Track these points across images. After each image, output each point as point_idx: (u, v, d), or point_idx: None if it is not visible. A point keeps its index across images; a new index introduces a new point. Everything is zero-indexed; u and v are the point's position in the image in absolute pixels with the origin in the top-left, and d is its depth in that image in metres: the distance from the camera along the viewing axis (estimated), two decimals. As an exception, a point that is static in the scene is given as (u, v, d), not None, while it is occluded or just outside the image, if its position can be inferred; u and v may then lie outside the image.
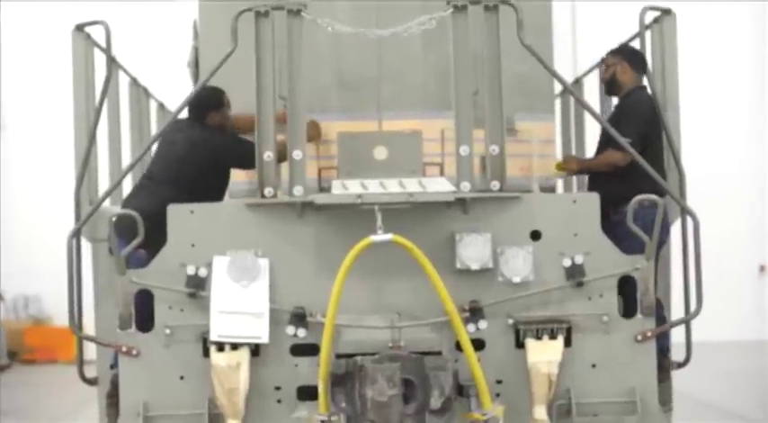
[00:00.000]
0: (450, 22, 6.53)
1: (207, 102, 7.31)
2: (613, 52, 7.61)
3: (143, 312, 6.49)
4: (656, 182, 6.71)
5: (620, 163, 7.15)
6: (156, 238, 6.51)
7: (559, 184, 8.26)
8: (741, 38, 20.09)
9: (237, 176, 7.40)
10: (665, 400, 6.78)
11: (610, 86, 7.57)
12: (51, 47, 17.89)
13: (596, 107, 8.70)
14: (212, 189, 7.13)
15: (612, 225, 6.73)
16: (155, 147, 7.45)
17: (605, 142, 7.35)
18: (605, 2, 18.68)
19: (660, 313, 6.81)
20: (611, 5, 17.96)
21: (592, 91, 9.83)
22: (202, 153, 7.14)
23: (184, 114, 7.22)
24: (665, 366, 6.90)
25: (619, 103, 7.51)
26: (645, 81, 7.57)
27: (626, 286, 6.58)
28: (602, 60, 7.75)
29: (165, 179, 7.13)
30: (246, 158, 6.75)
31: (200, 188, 6.97)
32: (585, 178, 8.06)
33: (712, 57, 19.66)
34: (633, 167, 6.86)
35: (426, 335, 6.36)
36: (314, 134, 7.27)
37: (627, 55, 7.52)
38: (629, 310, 6.61)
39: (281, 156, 6.61)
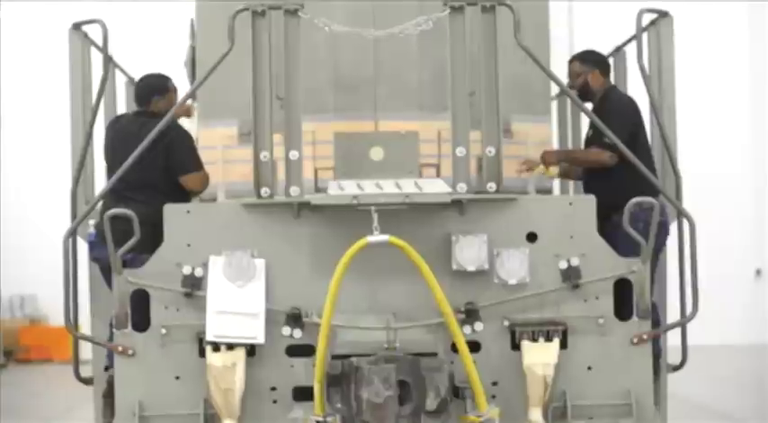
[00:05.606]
0: (446, 22, 6.53)
1: (151, 87, 7.28)
2: (580, 61, 7.57)
3: (139, 312, 6.48)
4: (652, 183, 6.70)
5: (607, 162, 7.14)
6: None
7: (556, 186, 8.21)
8: (740, 38, 20.09)
9: (235, 176, 7.38)
10: (655, 400, 6.77)
11: (581, 94, 7.53)
12: (48, 45, 17.84)
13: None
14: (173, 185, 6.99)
15: (614, 227, 6.70)
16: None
17: (591, 142, 7.37)
18: (602, 2, 18.69)
19: (654, 316, 6.80)
20: (608, 6, 17.98)
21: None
22: (158, 150, 6.85)
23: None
24: (654, 369, 6.87)
25: (598, 108, 7.43)
26: (612, 80, 7.71)
27: (624, 288, 6.57)
28: (568, 68, 7.69)
29: (133, 183, 6.87)
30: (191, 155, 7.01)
31: (166, 187, 6.91)
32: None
33: (710, 57, 19.66)
34: (627, 169, 6.85)
35: (422, 336, 6.36)
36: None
37: (594, 62, 7.56)
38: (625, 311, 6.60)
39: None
